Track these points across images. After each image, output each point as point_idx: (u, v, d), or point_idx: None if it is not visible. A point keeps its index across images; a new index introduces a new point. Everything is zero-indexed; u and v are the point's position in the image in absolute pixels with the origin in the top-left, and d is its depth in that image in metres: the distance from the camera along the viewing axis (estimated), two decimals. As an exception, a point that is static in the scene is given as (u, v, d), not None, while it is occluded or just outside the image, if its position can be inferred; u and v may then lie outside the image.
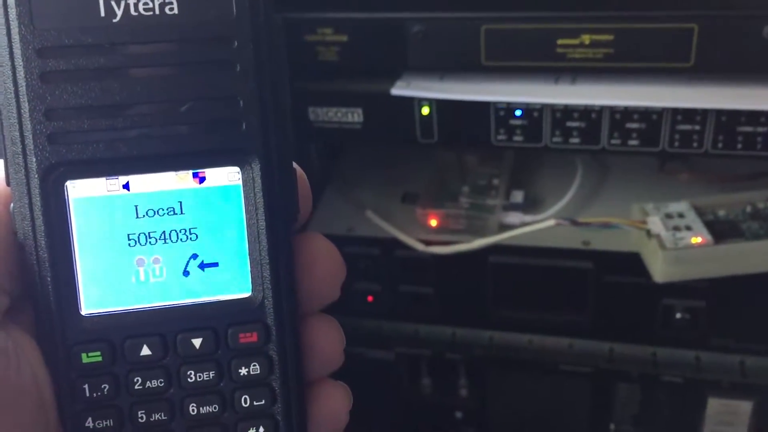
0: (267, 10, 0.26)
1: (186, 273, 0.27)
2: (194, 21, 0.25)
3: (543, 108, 0.56)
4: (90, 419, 0.26)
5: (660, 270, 0.59)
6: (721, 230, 0.60)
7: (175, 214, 0.27)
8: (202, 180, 0.27)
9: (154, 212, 0.26)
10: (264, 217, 0.27)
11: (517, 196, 0.68)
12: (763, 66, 0.51)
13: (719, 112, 0.53)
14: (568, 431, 0.72)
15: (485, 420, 0.73)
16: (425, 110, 0.58)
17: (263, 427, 0.28)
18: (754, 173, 0.66)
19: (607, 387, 0.67)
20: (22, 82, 0.25)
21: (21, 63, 0.25)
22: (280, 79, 0.27)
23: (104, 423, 0.26)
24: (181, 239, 0.27)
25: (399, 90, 0.57)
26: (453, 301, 0.69)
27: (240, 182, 0.27)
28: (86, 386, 0.26)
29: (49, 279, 0.26)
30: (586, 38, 0.53)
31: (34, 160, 0.25)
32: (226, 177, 0.27)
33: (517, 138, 0.58)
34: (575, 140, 0.57)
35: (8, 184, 0.26)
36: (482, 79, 0.57)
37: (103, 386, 0.26)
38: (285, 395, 0.28)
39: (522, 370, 0.69)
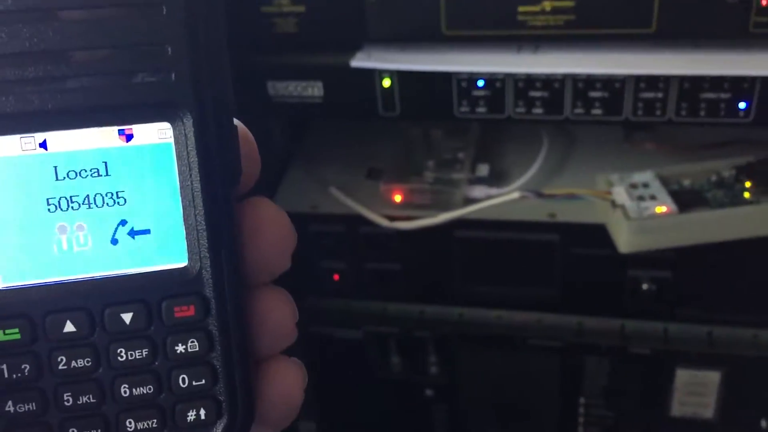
0: None
1: (114, 241, 0.25)
2: None
3: (505, 78, 0.55)
4: (10, 403, 0.24)
5: (625, 240, 0.59)
6: (685, 199, 0.60)
7: (99, 175, 0.24)
8: (129, 138, 0.24)
9: (76, 174, 0.24)
10: (199, 178, 0.24)
11: (483, 170, 0.68)
12: (725, 31, 0.51)
13: (682, 79, 0.53)
14: (538, 406, 0.72)
15: (456, 397, 0.73)
16: (386, 82, 0.57)
17: (204, 409, 0.25)
18: (718, 142, 0.66)
19: (576, 361, 0.68)
20: None
21: None
22: (214, 21, 0.24)
23: (26, 407, 0.24)
24: (107, 204, 0.24)
25: (359, 62, 0.56)
26: (420, 278, 0.68)
27: (172, 140, 0.24)
28: (3, 367, 0.24)
29: None
30: (547, 5, 0.52)
31: None
32: (156, 134, 0.24)
33: (480, 109, 0.57)
34: (538, 110, 0.56)
35: None
36: (444, 50, 0.56)
37: (23, 366, 0.24)
38: (228, 374, 0.25)
39: (491, 346, 0.69)
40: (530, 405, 0.72)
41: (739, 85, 0.52)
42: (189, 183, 0.24)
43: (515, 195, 0.61)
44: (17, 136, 0.23)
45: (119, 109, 0.23)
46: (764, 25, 0.50)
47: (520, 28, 0.53)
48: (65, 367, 0.24)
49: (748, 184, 0.61)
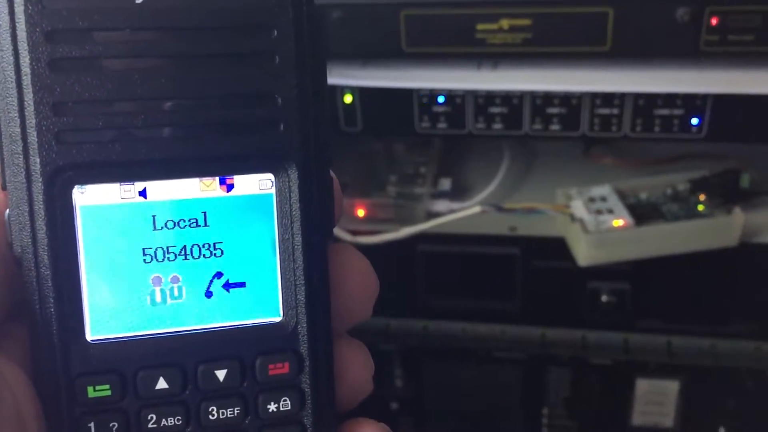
0: None
1: (209, 294, 0.24)
2: (228, 5, 0.22)
3: (465, 94, 0.56)
4: None
5: (583, 253, 0.60)
6: (642, 213, 0.61)
7: (198, 226, 0.23)
8: (230, 188, 0.23)
9: (174, 224, 0.23)
10: (299, 232, 0.23)
11: (445, 184, 0.68)
12: (677, 49, 0.52)
13: (636, 96, 0.54)
14: (502, 416, 0.73)
15: (421, 410, 0.73)
16: (348, 98, 0.58)
17: None
18: (674, 156, 0.67)
19: (539, 372, 0.69)
20: (26, 70, 0.21)
21: (26, 48, 0.21)
22: (321, 75, 0.23)
23: None
24: (204, 255, 0.23)
25: (321, 78, 0.56)
26: (384, 292, 0.68)
27: (273, 191, 0.24)
28: (92, 425, 0.23)
29: (50, 299, 0.22)
30: (505, 23, 0.53)
31: (38, 161, 0.22)
32: (257, 185, 0.23)
33: (441, 125, 0.58)
34: (498, 126, 0.57)
35: (4, 188, 0.22)
36: (405, 67, 0.57)
37: (111, 425, 0.23)
38: None
39: (456, 358, 0.69)
40: (495, 416, 0.73)
41: (692, 102, 0.54)
42: (289, 235, 0.24)
43: (477, 209, 0.61)
44: (117, 184, 0.23)
45: (223, 160, 0.23)
46: (714, 44, 0.51)
47: (479, 46, 0.54)
48: (155, 425, 0.23)
49: (702, 198, 0.63)
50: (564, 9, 0.52)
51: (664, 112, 0.54)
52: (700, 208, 0.62)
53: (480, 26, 0.54)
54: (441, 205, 0.66)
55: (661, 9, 0.51)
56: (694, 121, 0.54)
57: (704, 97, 0.54)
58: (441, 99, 0.57)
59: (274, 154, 0.23)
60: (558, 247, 0.63)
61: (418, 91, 0.57)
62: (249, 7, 0.22)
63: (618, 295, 0.64)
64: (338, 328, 0.25)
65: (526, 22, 0.53)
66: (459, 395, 0.72)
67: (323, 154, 0.24)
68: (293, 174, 0.23)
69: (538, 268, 0.65)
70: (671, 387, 0.67)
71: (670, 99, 0.54)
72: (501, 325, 0.68)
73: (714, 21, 0.50)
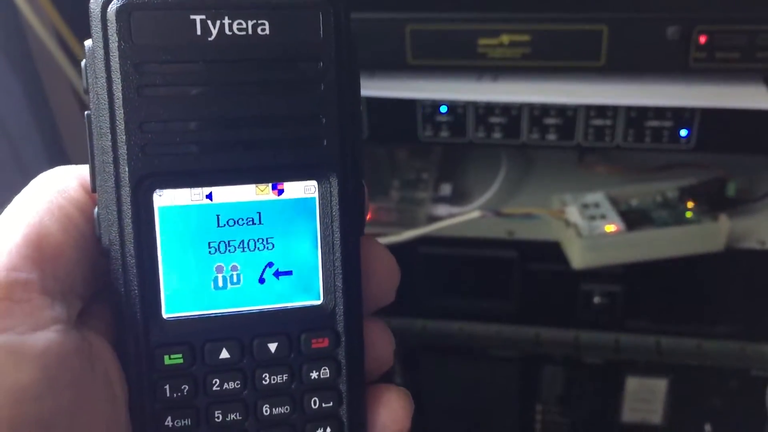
0: (349, 33, 0.27)
1: (262, 280, 0.28)
2: (284, 42, 0.26)
3: (467, 105, 0.58)
4: (170, 418, 0.27)
5: (577, 257, 0.61)
6: (633, 218, 0.62)
7: (253, 224, 0.27)
8: (280, 192, 0.27)
9: (234, 222, 0.27)
10: (338, 230, 0.28)
11: (445, 189, 0.69)
12: (668, 65, 0.54)
13: (629, 109, 0.56)
14: (498, 413, 0.74)
15: (420, 406, 0.73)
16: (355, 107, 0.60)
17: (330, 428, 0.28)
18: (664, 165, 0.68)
19: (533, 370, 0.70)
20: (118, 95, 0.25)
21: (119, 76, 0.25)
22: (357, 99, 0.28)
23: (183, 422, 0.27)
24: (258, 248, 0.27)
25: (329, 88, 0.58)
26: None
27: (316, 195, 0.28)
28: (167, 387, 0.27)
29: (134, 283, 0.26)
30: (505, 38, 0.55)
31: (127, 169, 0.25)
32: (302, 190, 0.28)
33: (443, 134, 0.60)
34: (497, 135, 0.59)
35: (94, 191, 0.26)
36: (409, 78, 0.59)
37: (183, 387, 0.27)
38: (351, 397, 0.28)
39: (453, 356, 0.71)
40: (490, 412, 0.74)
41: (681, 115, 0.56)
42: (329, 233, 0.28)
43: (476, 214, 0.63)
44: (188, 189, 0.27)
45: (276, 169, 0.27)
46: (703, 60, 0.53)
47: (480, 59, 0.56)
48: (218, 388, 0.27)
49: (690, 205, 0.64)
50: (561, 26, 0.54)
51: (655, 123, 0.56)
52: (688, 214, 0.63)
53: (481, 41, 0.55)
54: (442, 209, 0.67)
55: (653, 27, 0.53)
56: (683, 132, 0.56)
57: (693, 110, 0.55)
58: (443, 109, 0.59)
59: (318, 165, 0.27)
60: (553, 250, 0.64)
61: (421, 101, 0.58)
62: (299, 43, 0.26)
63: (609, 297, 0.66)
64: (367, 311, 0.29)
65: (525, 37, 0.55)
66: (456, 392, 0.73)
67: (357, 166, 0.28)
68: (333, 181, 0.27)
69: (534, 270, 0.66)
70: (660, 385, 0.68)
71: (660, 112, 0.56)
72: (497, 325, 0.69)
73: (702, 39, 0.52)
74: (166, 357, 0.27)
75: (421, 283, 0.69)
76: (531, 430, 0.73)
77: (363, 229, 0.28)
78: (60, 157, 0.66)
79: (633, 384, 0.69)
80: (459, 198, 0.70)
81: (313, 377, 0.28)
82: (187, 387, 0.27)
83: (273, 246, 0.28)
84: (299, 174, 0.27)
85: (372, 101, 0.59)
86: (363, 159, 0.28)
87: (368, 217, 0.72)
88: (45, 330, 0.24)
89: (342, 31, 0.27)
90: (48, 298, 0.25)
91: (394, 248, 0.64)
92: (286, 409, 0.28)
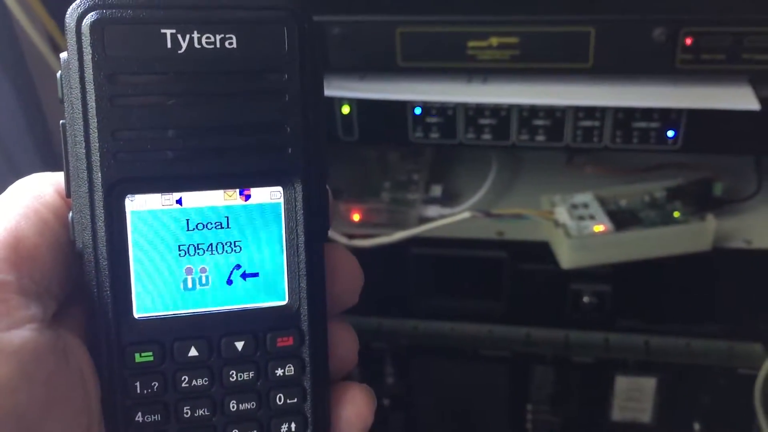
0: (313, 46, 0.28)
1: (229, 282, 0.29)
2: (250, 55, 0.27)
3: (456, 106, 0.59)
4: (140, 414, 0.28)
5: (566, 257, 0.62)
6: (621, 219, 0.63)
7: (222, 228, 0.28)
8: (247, 197, 0.29)
9: (203, 226, 0.28)
10: (302, 233, 0.29)
11: (436, 191, 0.70)
12: (654, 67, 0.55)
13: (616, 110, 0.57)
14: (489, 413, 0.74)
15: (411, 406, 0.75)
16: (345, 109, 0.60)
17: (294, 423, 0.29)
18: (651, 166, 0.69)
19: (523, 369, 0.70)
20: (92, 104, 0.26)
21: (92, 86, 0.26)
22: (320, 109, 0.29)
23: (152, 417, 0.28)
24: (226, 251, 0.29)
25: (320, 90, 0.59)
26: (377, 293, 0.70)
27: (281, 200, 0.29)
28: (138, 383, 0.28)
29: (107, 284, 0.27)
30: (494, 41, 0.56)
31: (100, 175, 0.26)
32: (268, 195, 0.29)
33: (434, 135, 0.60)
34: (487, 137, 0.59)
35: (68, 196, 0.27)
36: (400, 80, 0.59)
37: (153, 383, 0.28)
38: (315, 394, 0.29)
39: (445, 356, 0.71)
40: (481, 412, 0.74)
41: (668, 116, 0.56)
42: (294, 236, 0.29)
43: (466, 214, 0.63)
44: (159, 194, 0.28)
45: (243, 175, 0.28)
46: (689, 62, 0.54)
47: (469, 61, 0.57)
48: (187, 385, 0.28)
49: (677, 205, 0.65)
50: (549, 28, 0.55)
51: (642, 125, 0.57)
52: (676, 214, 0.64)
53: (471, 43, 0.56)
54: (432, 210, 0.68)
55: (640, 29, 0.53)
56: (670, 133, 0.57)
57: (679, 111, 0.56)
58: (434, 111, 0.59)
59: (283, 171, 0.28)
60: (542, 250, 0.64)
61: (412, 103, 0.59)
62: (265, 56, 0.27)
63: (599, 297, 0.66)
64: (332, 312, 0.30)
65: (513, 40, 0.55)
66: (447, 392, 0.74)
67: (321, 172, 0.29)
68: (298, 187, 0.28)
69: (523, 270, 0.66)
70: (649, 384, 0.68)
71: (647, 113, 0.56)
72: (488, 325, 0.70)
73: (688, 41, 0.53)
74: (137, 355, 0.28)
75: (412, 283, 0.70)
76: (522, 429, 0.73)
77: (327, 232, 0.30)
78: (52, 160, 0.66)
79: (622, 383, 0.69)
80: (449, 199, 0.70)
81: (278, 374, 0.29)
82: (157, 384, 0.28)
83: (240, 249, 0.29)
84: (265, 180, 0.29)
85: (362, 103, 0.59)
86: (328, 165, 0.29)
87: (359, 218, 0.73)
88: (21, 328, 0.25)
89: (306, 43, 0.28)
90: (24, 298, 0.25)
91: (385, 249, 0.66)
92: (253, 405, 0.29)
